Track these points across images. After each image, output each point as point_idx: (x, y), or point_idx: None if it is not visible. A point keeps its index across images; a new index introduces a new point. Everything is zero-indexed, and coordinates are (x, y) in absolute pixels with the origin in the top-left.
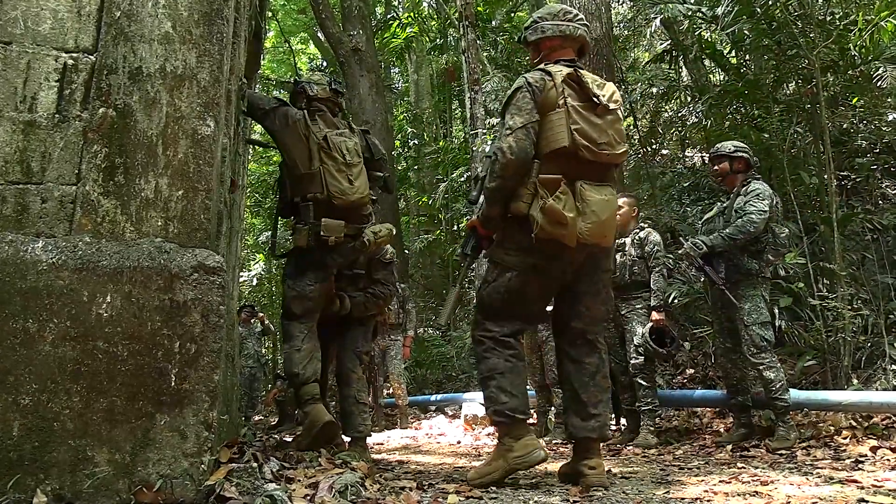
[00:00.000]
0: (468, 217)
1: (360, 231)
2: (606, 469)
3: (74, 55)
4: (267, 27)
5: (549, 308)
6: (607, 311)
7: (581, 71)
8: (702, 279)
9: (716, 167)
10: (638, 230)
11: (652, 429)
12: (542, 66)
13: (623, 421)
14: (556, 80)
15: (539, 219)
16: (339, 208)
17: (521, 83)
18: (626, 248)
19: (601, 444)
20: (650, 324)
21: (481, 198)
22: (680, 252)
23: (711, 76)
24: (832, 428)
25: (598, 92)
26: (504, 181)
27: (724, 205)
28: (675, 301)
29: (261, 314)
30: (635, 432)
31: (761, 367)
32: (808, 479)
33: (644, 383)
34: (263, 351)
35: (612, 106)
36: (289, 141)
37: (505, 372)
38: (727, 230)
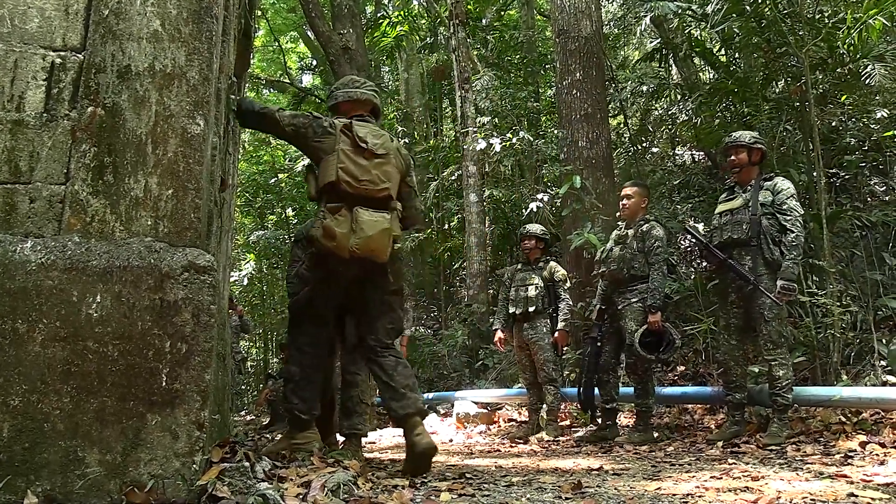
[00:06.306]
0: (459, 216)
1: None
2: (598, 466)
3: (62, 54)
4: (257, 25)
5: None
6: (397, 329)
7: (357, 124)
8: (692, 277)
9: (733, 157)
10: (642, 223)
11: (641, 427)
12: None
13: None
14: (336, 130)
15: (317, 234)
16: None
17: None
18: (628, 241)
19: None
20: (645, 326)
21: None
22: (778, 293)
23: (701, 74)
24: (822, 423)
25: (372, 141)
26: None
27: (748, 198)
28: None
29: (239, 307)
30: (607, 428)
31: (773, 364)
32: (798, 474)
33: (638, 384)
34: (244, 347)
35: (380, 152)
36: None
37: (299, 380)
38: (791, 254)
